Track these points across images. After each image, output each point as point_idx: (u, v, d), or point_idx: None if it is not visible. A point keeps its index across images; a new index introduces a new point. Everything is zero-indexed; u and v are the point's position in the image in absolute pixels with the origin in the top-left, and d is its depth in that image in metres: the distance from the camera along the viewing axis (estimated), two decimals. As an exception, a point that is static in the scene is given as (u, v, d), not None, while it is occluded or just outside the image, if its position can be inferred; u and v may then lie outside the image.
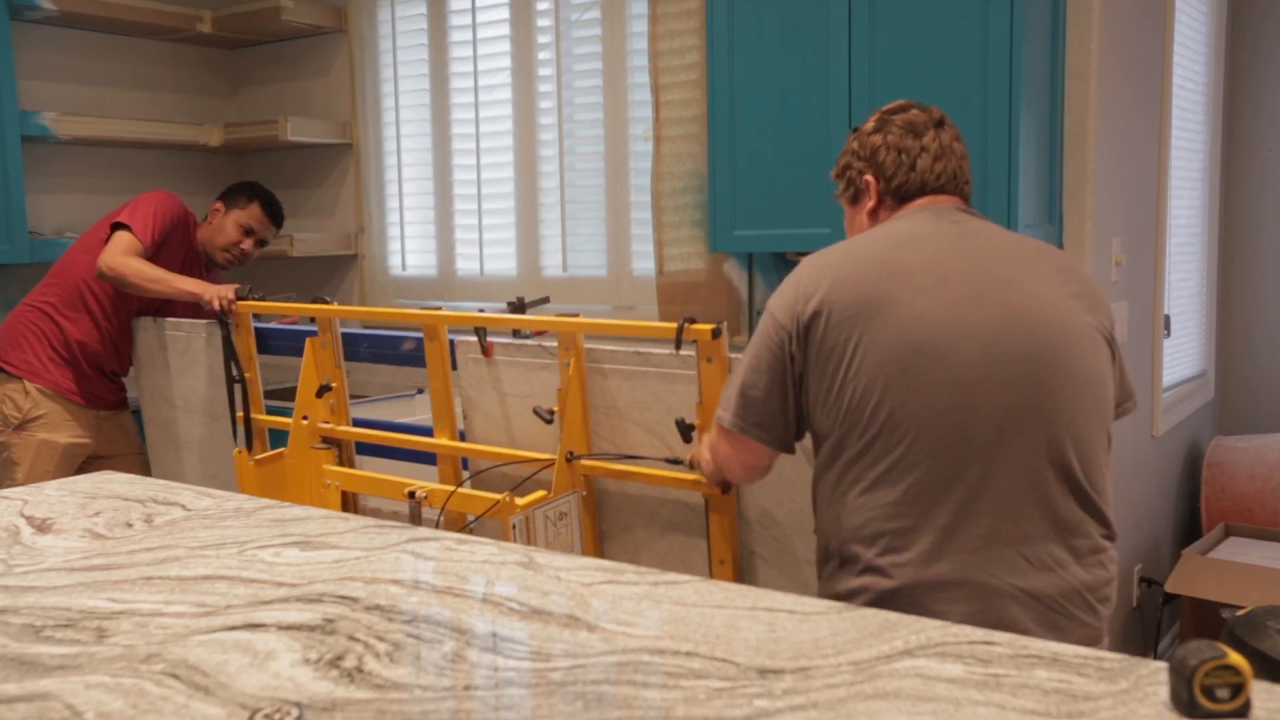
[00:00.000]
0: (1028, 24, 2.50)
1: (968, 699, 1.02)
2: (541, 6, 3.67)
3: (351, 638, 1.20)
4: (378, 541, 1.60)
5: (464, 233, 3.98)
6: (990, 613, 1.50)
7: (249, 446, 2.83)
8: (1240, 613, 2.30)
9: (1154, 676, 1.06)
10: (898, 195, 1.72)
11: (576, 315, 2.26)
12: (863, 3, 2.64)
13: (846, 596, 1.57)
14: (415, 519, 2.34)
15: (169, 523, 1.73)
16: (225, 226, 3.19)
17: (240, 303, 2.78)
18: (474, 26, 3.85)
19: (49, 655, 1.17)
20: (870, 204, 1.75)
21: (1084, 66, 2.70)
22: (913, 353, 1.52)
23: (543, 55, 3.70)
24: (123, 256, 2.93)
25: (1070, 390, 1.55)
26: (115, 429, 3.21)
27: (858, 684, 1.06)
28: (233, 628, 1.24)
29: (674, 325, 2.00)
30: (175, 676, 1.10)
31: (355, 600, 1.33)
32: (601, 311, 3.64)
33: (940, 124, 1.74)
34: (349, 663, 1.13)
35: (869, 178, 1.74)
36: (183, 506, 1.83)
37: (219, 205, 3.22)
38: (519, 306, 2.45)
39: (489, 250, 3.92)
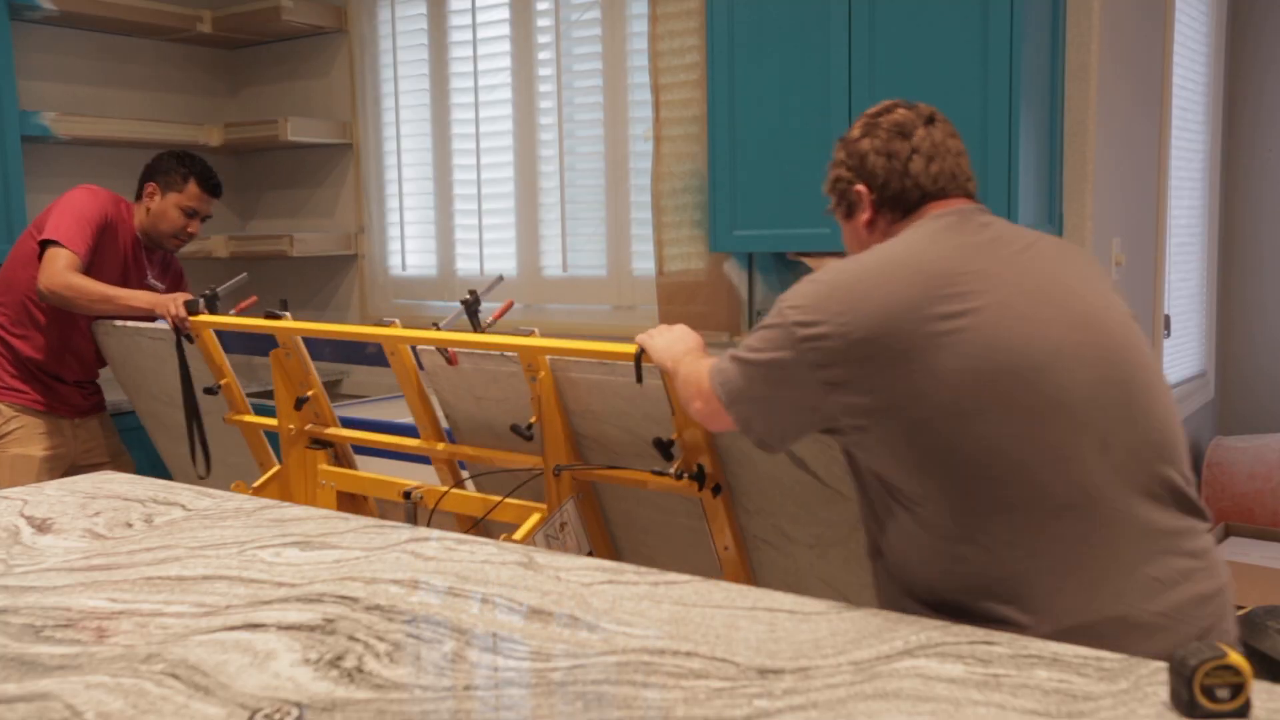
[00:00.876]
0: (1028, 24, 2.50)
1: (968, 699, 1.02)
2: (541, 6, 3.67)
3: (351, 638, 1.20)
4: (378, 541, 1.60)
5: (464, 233, 3.98)
6: (1141, 646, 1.27)
7: (207, 469, 2.78)
8: (1240, 613, 2.30)
9: (1154, 676, 1.06)
10: (895, 205, 1.58)
11: (533, 332, 2.23)
12: (863, 3, 2.64)
13: None
14: (411, 519, 2.34)
15: (169, 523, 1.73)
16: (166, 212, 3.00)
17: (192, 318, 2.66)
18: (474, 26, 3.85)
19: (49, 655, 1.17)
20: (865, 215, 1.61)
21: (1084, 66, 2.70)
22: (990, 383, 1.34)
23: (543, 55, 3.70)
24: (63, 276, 2.78)
25: (1150, 387, 1.46)
26: (89, 435, 3.13)
27: (858, 684, 1.06)
28: (233, 628, 1.24)
29: (633, 350, 1.93)
30: (175, 676, 1.10)
31: (355, 600, 1.33)
32: (602, 311, 3.64)
33: (930, 121, 1.60)
34: (349, 663, 1.13)
35: (860, 187, 1.60)
36: (183, 506, 1.83)
37: (152, 187, 3.02)
38: (473, 302, 2.36)
39: (489, 250, 3.92)
